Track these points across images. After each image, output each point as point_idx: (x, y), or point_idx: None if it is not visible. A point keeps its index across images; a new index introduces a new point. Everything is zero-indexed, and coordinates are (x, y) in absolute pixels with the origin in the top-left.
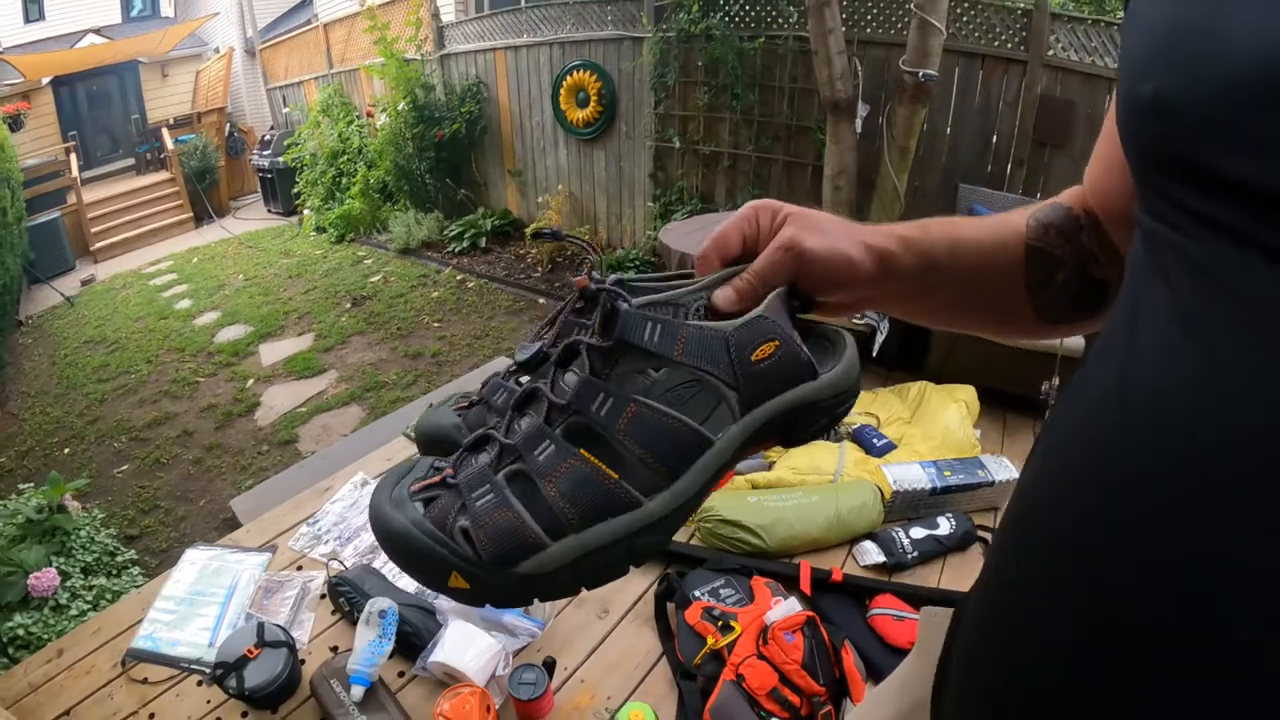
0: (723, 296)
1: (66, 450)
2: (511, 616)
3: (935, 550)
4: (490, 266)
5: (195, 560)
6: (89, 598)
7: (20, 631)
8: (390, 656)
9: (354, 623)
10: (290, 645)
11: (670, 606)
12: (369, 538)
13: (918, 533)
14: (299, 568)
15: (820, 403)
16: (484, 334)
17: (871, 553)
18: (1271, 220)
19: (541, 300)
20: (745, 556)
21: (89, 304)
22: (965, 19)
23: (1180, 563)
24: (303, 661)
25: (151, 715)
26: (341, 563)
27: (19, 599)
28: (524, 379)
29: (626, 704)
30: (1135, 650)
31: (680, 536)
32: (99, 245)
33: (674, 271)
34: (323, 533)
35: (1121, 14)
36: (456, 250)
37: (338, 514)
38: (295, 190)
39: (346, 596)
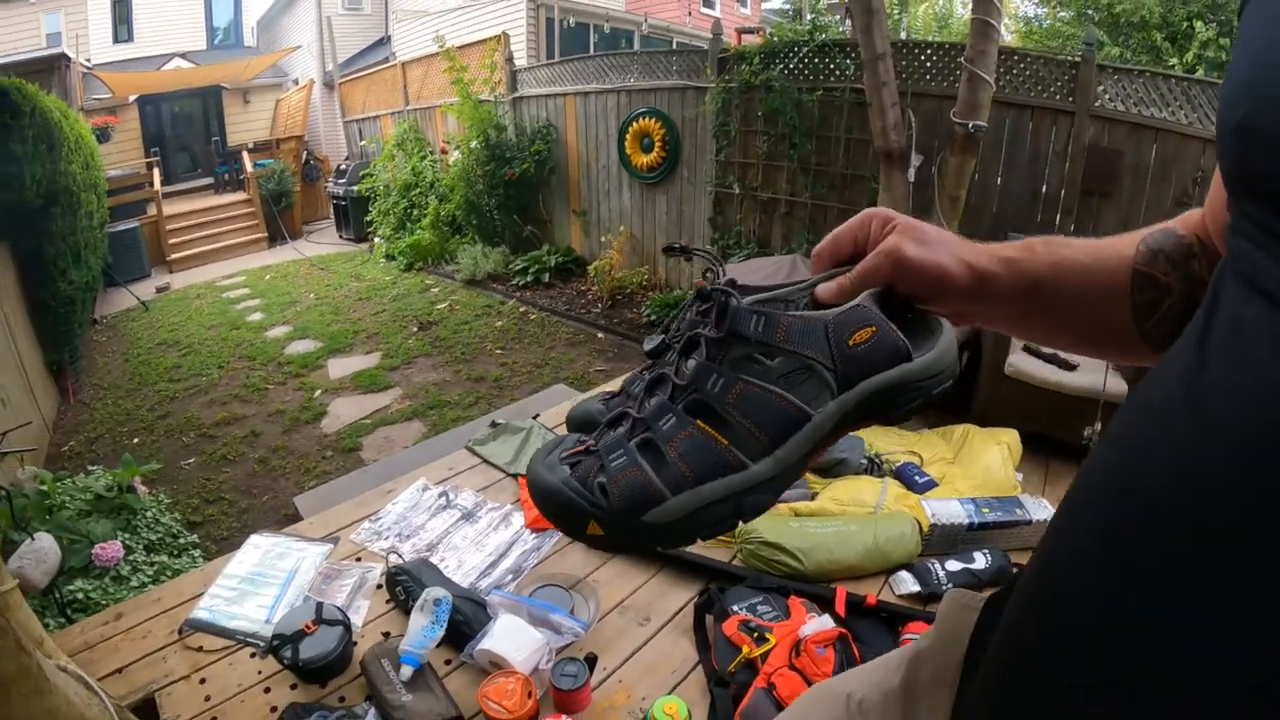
0: (825, 289)
1: (136, 440)
2: (558, 615)
3: (970, 583)
4: (552, 300)
5: (259, 544)
6: (150, 572)
7: (80, 595)
8: (440, 644)
9: (407, 612)
10: (346, 624)
11: (709, 619)
12: (427, 536)
13: (953, 565)
14: (358, 559)
15: (914, 382)
16: (544, 363)
17: (907, 582)
18: None
19: (600, 335)
20: (784, 578)
21: (162, 310)
22: (1014, 72)
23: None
24: (354, 643)
25: (203, 680)
26: (400, 556)
27: (82, 566)
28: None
29: (661, 698)
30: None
31: (722, 556)
32: (175, 256)
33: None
34: (383, 529)
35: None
36: (520, 284)
37: (399, 513)
38: (367, 218)
39: (404, 585)
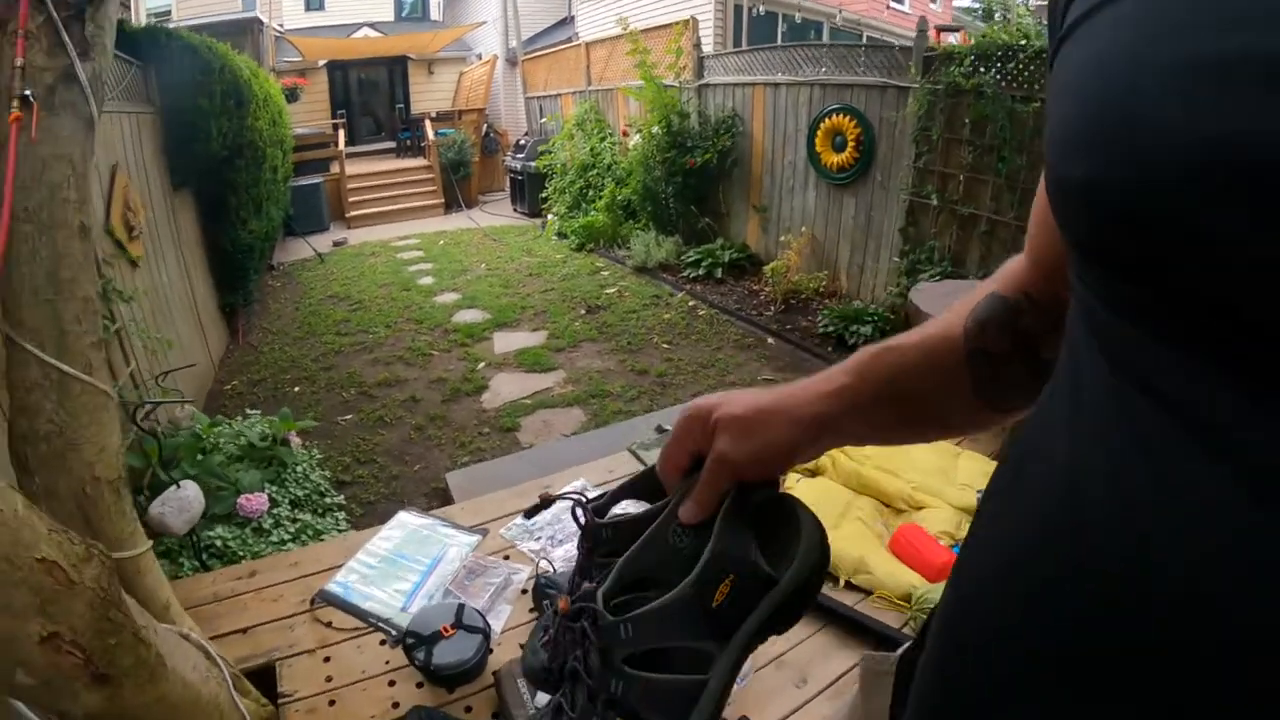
0: (687, 513)
1: (297, 389)
2: None
3: None
4: (723, 297)
5: (406, 523)
6: (291, 529)
7: (219, 543)
8: None
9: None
10: (486, 633)
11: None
12: None
13: None
14: (506, 557)
15: (787, 604)
16: (710, 364)
17: None
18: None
19: (771, 340)
20: None
21: (337, 263)
22: None
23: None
24: (491, 651)
25: (327, 659)
26: (551, 563)
27: (225, 513)
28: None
29: None
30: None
31: (893, 621)
32: (353, 213)
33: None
34: (536, 529)
35: None
36: (691, 276)
37: (553, 514)
38: (542, 195)
39: (551, 599)
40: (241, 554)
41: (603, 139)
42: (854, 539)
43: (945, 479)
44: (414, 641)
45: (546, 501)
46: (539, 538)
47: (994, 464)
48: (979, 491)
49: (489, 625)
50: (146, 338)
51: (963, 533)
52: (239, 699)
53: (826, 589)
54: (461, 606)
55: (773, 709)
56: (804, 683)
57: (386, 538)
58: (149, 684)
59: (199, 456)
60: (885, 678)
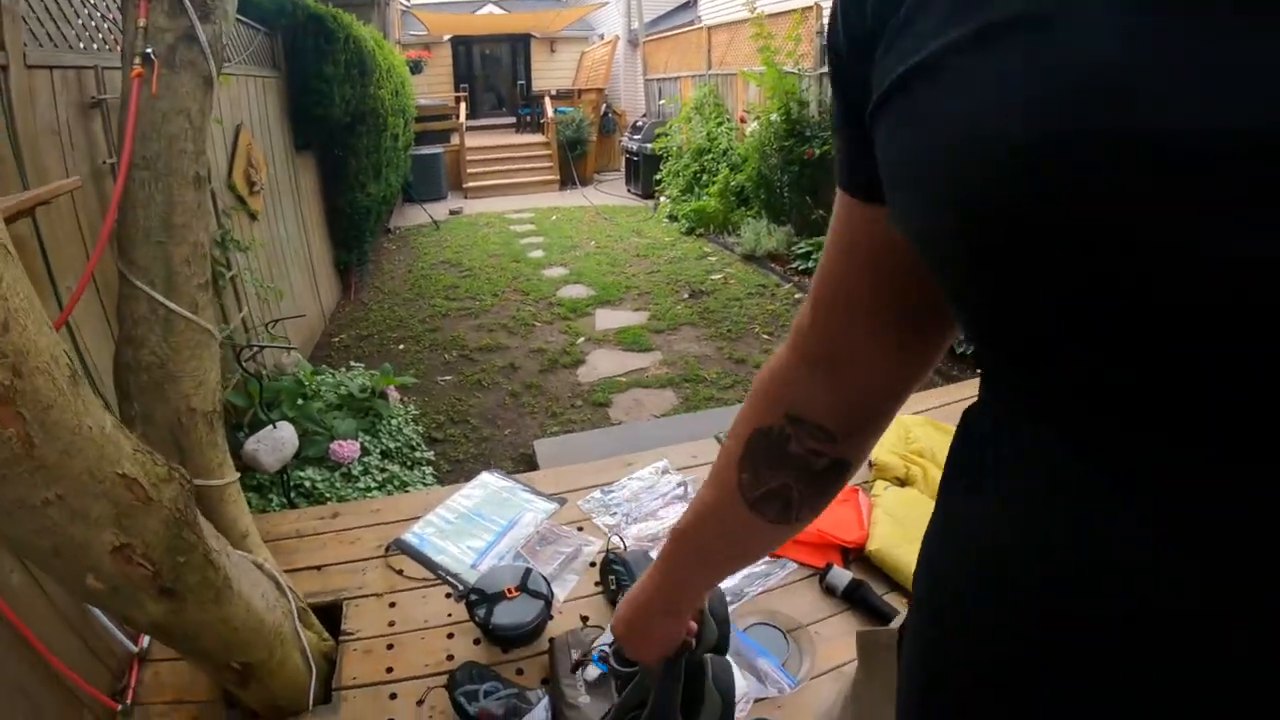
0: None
1: (401, 346)
2: (768, 663)
3: None
4: None
5: (487, 483)
6: (379, 478)
7: (308, 483)
8: None
9: (613, 602)
10: (548, 600)
11: None
12: (655, 525)
13: None
14: (580, 528)
15: None
16: None
17: None
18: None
19: None
20: None
21: (451, 231)
22: None
23: None
24: (551, 618)
25: (393, 604)
26: (622, 540)
27: (318, 456)
28: None
29: None
30: None
31: None
32: (470, 184)
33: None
34: (613, 504)
35: None
36: (800, 268)
37: (633, 491)
38: (656, 177)
39: (617, 576)
40: (328, 496)
41: (720, 124)
42: None
43: None
44: (477, 599)
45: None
46: (615, 513)
47: None
48: None
49: (552, 593)
50: (260, 286)
51: None
52: (302, 631)
53: (901, 606)
54: (529, 571)
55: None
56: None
57: (467, 496)
58: (213, 604)
59: (299, 401)
60: (886, 652)
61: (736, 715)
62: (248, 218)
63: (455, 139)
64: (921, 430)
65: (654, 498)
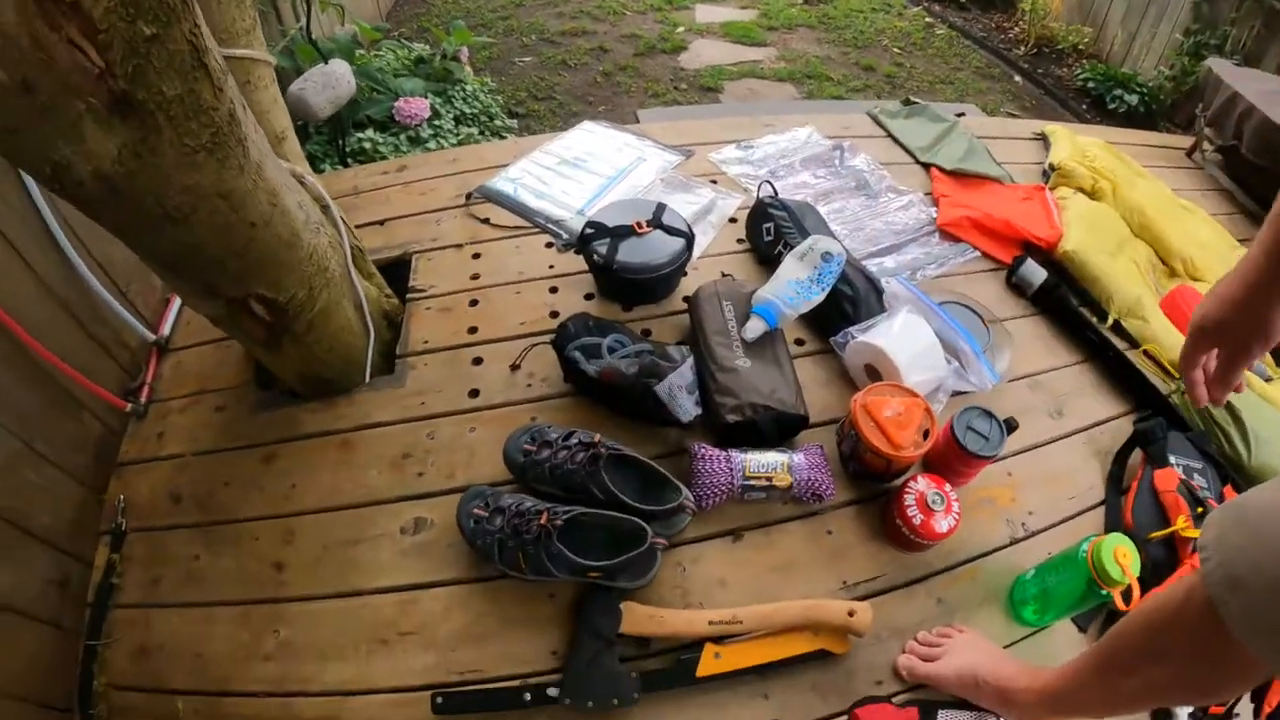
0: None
1: (472, 33)
2: (972, 346)
3: None
4: (967, 23)
5: (593, 130)
6: (453, 141)
7: (367, 145)
8: (810, 313)
9: (766, 261)
10: (689, 241)
11: (1138, 455)
12: (807, 190)
13: None
14: (714, 181)
15: None
16: (948, 80)
17: None
18: None
19: (1018, 79)
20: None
21: None
22: None
23: None
24: (686, 273)
25: (477, 255)
26: (774, 189)
27: (381, 118)
28: None
29: (1113, 538)
30: None
31: (1160, 387)
32: None
33: None
34: (756, 159)
35: None
36: None
37: (780, 149)
38: None
39: (778, 224)
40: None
41: None
42: (1129, 276)
43: (1223, 262)
44: (595, 232)
45: None
46: (760, 169)
47: None
48: None
49: (694, 234)
50: None
51: None
52: (357, 277)
53: (1094, 321)
54: (663, 206)
55: (1025, 430)
56: (1059, 415)
57: (569, 143)
58: (207, 155)
59: (356, 60)
60: None
61: (933, 402)
62: None
63: None
64: (1101, 152)
65: (804, 159)
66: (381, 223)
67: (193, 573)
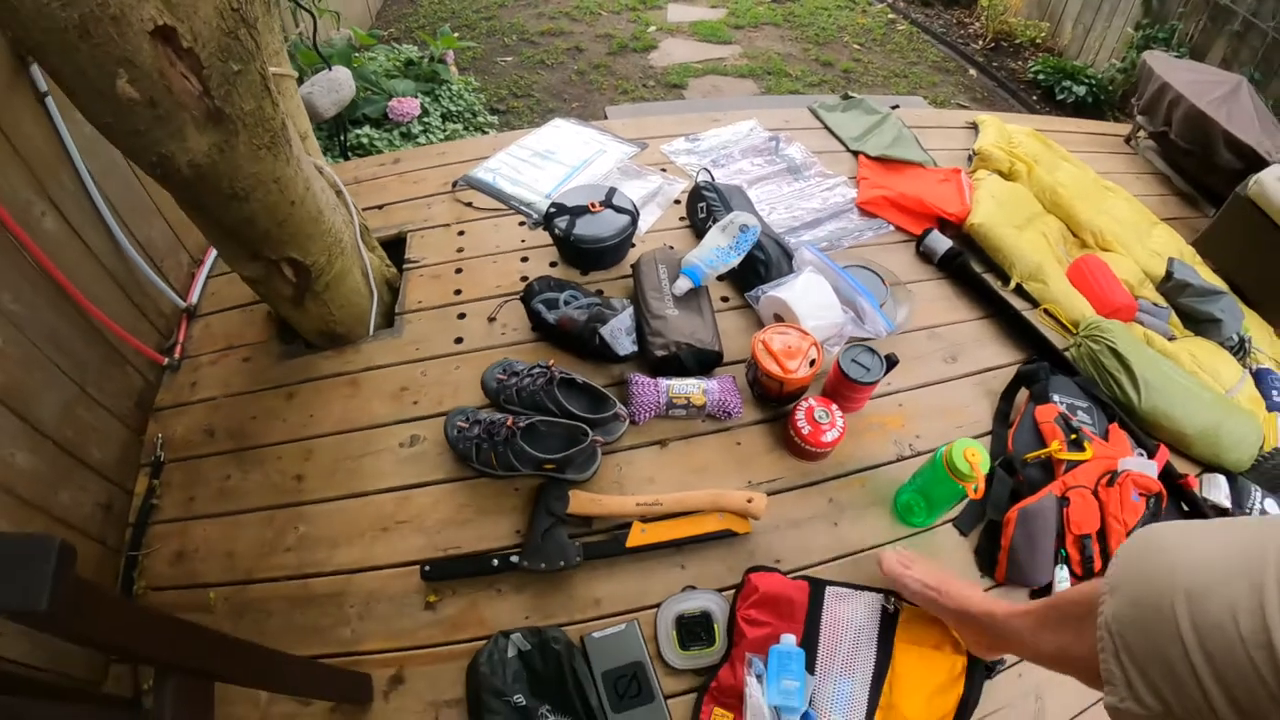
0: None
1: (456, 35)
2: (868, 302)
3: None
4: (928, 19)
5: (561, 127)
6: (441, 136)
7: (364, 140)
8: (723, 277)
9: (700, 235)
10: (634, 216)
11: (1023, 394)
12: (744, 175)
13: (1273, 506)
14: (663, 170)
15: None
16: (903, 74)
17: (1219, 491)
18: None
19: (973, 72)
20: (1110, 399)
21: None
22: None
23: None
24: (634, 245)
25: (461, 232)
26: (711, 175)
27: (376, 116)
28: None
29: (963, 440)
30: None
31: (1057, 342)
32: None
33: None
34: (701, 150)
35: None
36: None
37: (722, 141)
38: None
39: (709, 204)
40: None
41: None
42: (1034, 246)
43: (1138, 237)
44: (556, 211)
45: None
46: (704, 159)
47: (1190, 248)
48: (1171, 259)
49: (638, 213)
50: None
51: (1144, 291)
52: (364, 249)
53: (995, 285)
54: (614, 190)
55: (915, 374)
56: (953, 360)
57: (540, 136)
58: (268, 152)
59: (353, 63)
60: None
61: (829, 349)
62: None
63: None
64: (1026, 139)
65: (743, 149)
66: (380, 207)
67: (224, 489)
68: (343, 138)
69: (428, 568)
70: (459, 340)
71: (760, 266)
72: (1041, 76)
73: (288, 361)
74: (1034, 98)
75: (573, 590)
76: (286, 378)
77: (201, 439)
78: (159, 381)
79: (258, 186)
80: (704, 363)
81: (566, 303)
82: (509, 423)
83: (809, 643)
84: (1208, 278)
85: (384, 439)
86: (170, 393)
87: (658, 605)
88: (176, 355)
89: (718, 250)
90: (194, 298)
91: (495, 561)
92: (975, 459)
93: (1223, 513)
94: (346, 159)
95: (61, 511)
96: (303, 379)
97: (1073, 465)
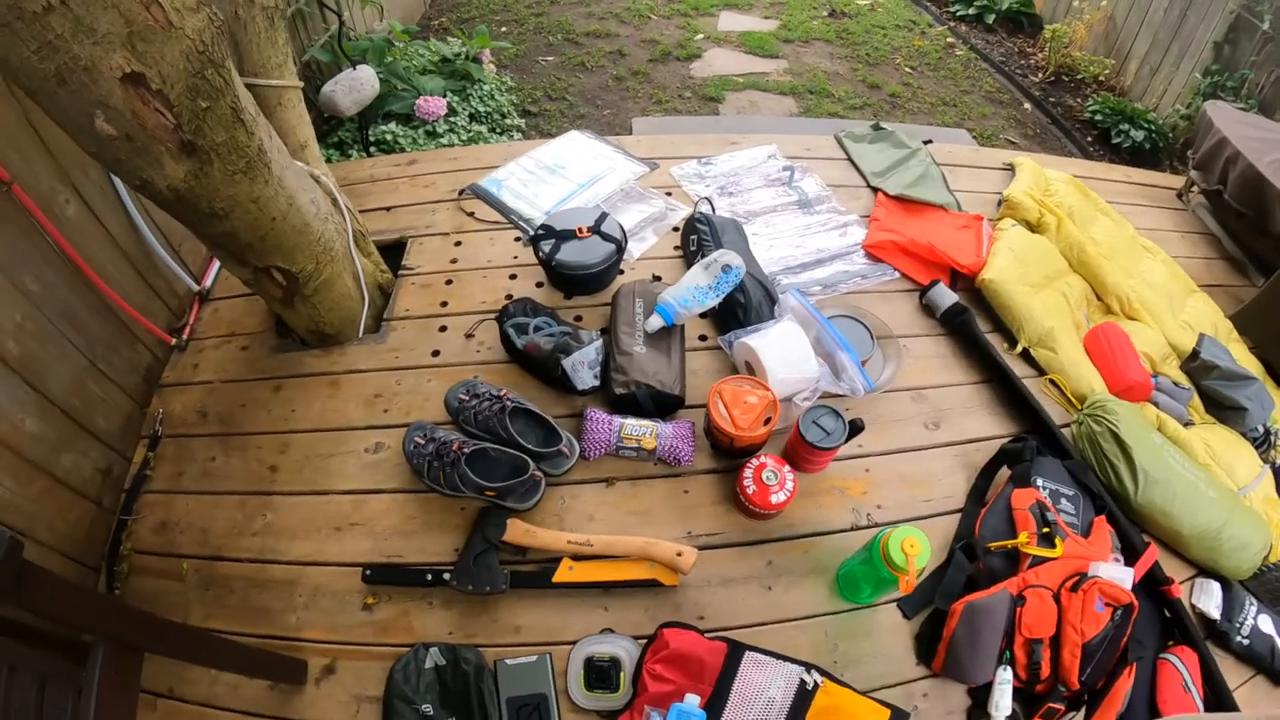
0: None
1: (504, 29)
2: (848, 358)
3: (1264, 656)
4: (988, 46)
5: (575, 140)
6: (464, 138)
7: (389, 137)
8: (704, 315)
9: (690, 264)
10: (620, 246)
11: (1003, 473)
12: (750, 204)
13: (1267, 624)
14: (669, 193)
15: None
16: (952, 103)
17: (1210, 600)
18: None
19: (1027, 105)
20: (1103, 488)
21: None
22: None
23: None
24: (622, 271)
25: (458, 243)
26: (712, 205)
27: (403, 113)
28: None
29: (905, 528)
30: None
31: (1056, 416)
32: None
33: None
34: (710, 175)
35: None
36: (959, 14)
37: (733, 168)
38: None
39: (700, 236)
40: (408, 151)
41: None
42: (1050, 309)
43: (1170, 305)
44: (544, 233)
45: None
46: (709, 184)
47: (1227, 322)
48: (1201, 336)
49: (626, 241)
50: None
51: (1167, 367)
52: (357, 255)
53: (1000, 348)
54: (605, 215)
55: (887, 436)
56: (935, 426)
57: (552, 149)
58: (243, 176)
59: (386, 59)
60: None
61: (797, 402)
62: None
63: None
64: (1064, 187)
65: (755, 177)
66: (389, 209)
67: (208, 469)
68: (368, 132)
69: (369, 571)
70: (436, 353)
71: (739, 310)
72: (1099, 117)
73: (279, 355)
74: (1088, 139)
75: (497, 615)
76: (276, 370)
77: (195, 419)
78: (167, 359)
79: (235, 207)
80: (663, 405)
81: (537, 329)
82: (456, 446)
83: (716, 705)
84: (1240, 358)
85: (352, 441)
86: (175, 371)
87: (574, 642)
88: (185, 336)
89: (696, 289)
90: (208, 281)
91: (429, 576)
92: (913, 551)
93: (1209, 624)
94: (369, 154)
95: (63, 473)
96: (290, 374)
97: (1039, 561)
